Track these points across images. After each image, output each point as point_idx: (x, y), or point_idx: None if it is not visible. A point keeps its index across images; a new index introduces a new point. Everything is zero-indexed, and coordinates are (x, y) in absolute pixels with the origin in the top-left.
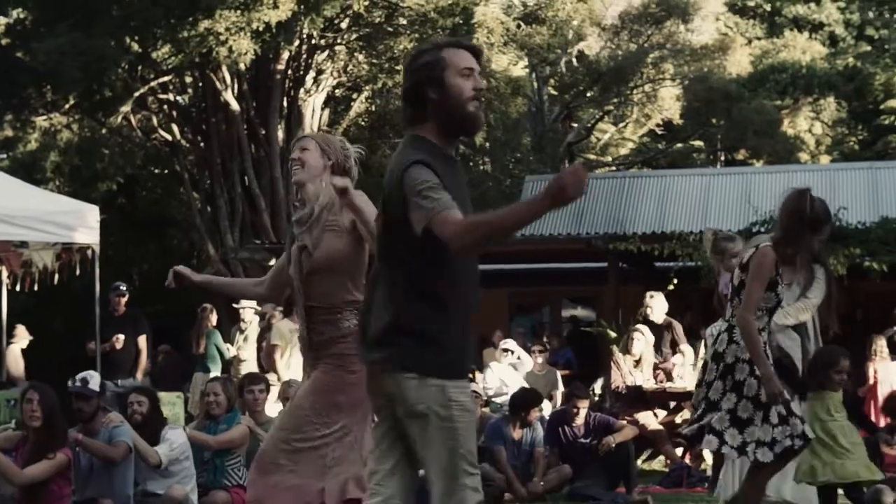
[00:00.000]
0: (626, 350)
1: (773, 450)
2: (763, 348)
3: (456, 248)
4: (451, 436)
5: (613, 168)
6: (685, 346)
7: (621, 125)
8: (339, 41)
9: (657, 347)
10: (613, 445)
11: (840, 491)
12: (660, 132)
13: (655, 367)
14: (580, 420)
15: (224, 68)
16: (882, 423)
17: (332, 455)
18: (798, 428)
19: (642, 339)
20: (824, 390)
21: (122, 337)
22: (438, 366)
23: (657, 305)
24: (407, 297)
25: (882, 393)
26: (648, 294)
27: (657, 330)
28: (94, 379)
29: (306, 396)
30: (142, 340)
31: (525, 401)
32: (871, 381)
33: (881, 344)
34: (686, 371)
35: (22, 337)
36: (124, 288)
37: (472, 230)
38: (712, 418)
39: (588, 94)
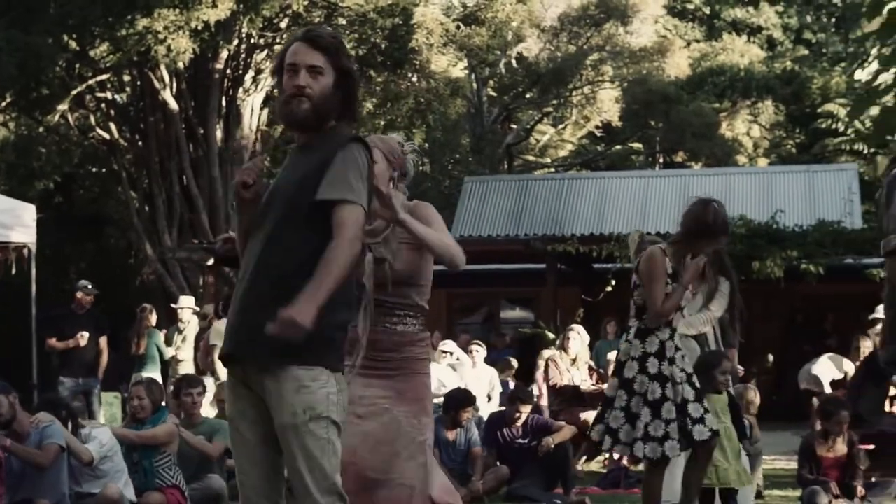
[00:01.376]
0: (563, 349)
1: (663, 447)
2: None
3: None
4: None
5: (552, 169)
6: None
7: (560, 127)
8: (278, 41)
9: None
10: (553, 446)
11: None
12: (599, 134)
13: (590, 369)
14: (520, 422)
15: (163, 67)
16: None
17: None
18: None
19: (578, 339)
20: (710, 393)
21: (86, 334)
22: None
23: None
24: None
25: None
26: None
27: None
28: None
29: (392, 405)
30: (103, 340)
31: (457, 401)
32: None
33: (867, 345)
34: None
35: None
36: (90, 286)
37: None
38: (609, 417)
39: (527, 96)
